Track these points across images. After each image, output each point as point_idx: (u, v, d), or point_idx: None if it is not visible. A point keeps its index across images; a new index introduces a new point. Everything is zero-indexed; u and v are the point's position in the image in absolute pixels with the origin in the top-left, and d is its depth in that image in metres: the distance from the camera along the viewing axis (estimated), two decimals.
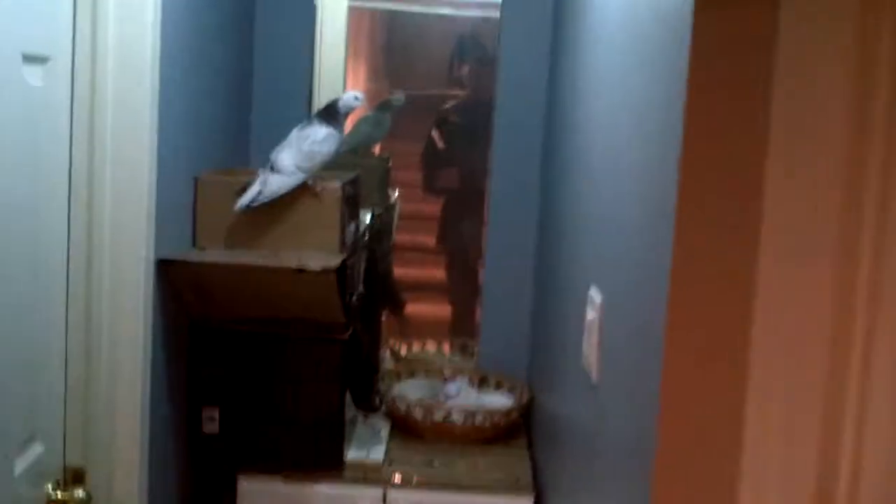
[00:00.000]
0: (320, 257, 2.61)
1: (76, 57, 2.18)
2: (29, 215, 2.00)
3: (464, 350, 3.84)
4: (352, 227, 2.85)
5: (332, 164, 3.34)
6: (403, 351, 3.86)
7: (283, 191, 2.63)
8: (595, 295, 1.83)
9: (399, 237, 4.95)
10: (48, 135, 2.08)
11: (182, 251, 2.60)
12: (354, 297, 2.84)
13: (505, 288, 3.52)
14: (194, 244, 2.73)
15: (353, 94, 2.76)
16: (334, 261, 2.54)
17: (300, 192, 2.69)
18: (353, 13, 4.53)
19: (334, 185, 2.71)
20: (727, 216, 1.06)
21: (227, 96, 3.11)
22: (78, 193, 2.22)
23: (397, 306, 3.94)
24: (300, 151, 2.66)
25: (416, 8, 5.08)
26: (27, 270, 2.01)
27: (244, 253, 2.65)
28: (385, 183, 3.78)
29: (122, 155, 2.26)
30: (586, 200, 2.18)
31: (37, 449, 2.09)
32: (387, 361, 3.72)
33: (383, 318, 3.74)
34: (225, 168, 2.94)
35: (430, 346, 3.91)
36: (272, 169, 2.65)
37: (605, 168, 1.93)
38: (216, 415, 2.74)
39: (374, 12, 5.44)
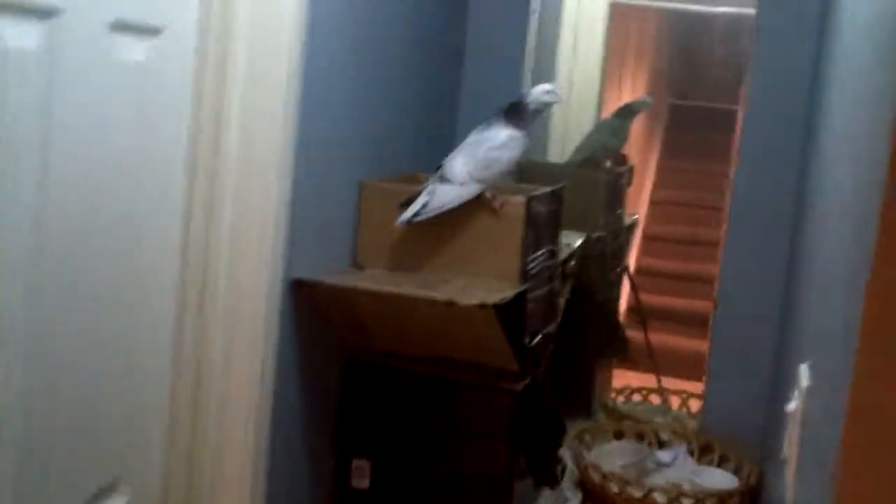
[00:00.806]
0: (488, 288, 2.12)
1: (201, 30, 1.84)
2: (128, 224, 1.69)
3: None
4: (542, 252, 2.33)
5: (547, 176, 2.87)
6: (620, 400, 3.27)
7: (452, 204, 2.17)
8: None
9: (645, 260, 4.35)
10: (152, 123, 1.74)
11: (331, 270, 2.21)
12: (536, 339, 2.32)
13: (742, 333, 2.84)
14: (355, 261, 2.33)
15: (545, 88, 2.24)
16: (498, 294, 2.04)
17: (476, 206, 2.22)
18: (617, 9, 4.01)
19: (517, 200, 2.21)
20: None
21: (422, 92, 2.70)
22: (195, 196, 1.88)
23: (619, 350, 3.36)
24: (475, 158, 2.19)
25: (697, 6, 4.45)
26: (128, 282, 1.70)
27: (400, 277, 2.22)
28: (616, 200, 3.23)
29: (250, 152, 1.89)
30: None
31: (118, 500, 1.77)
32: (597, 413, 3.15)
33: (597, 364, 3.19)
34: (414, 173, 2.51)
35: (655, 399, 3.29)
36: (442, 178, 2.20)
37: None
38: (367, 468, 2.33)
39: (649, 9, 4.84)
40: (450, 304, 1.99)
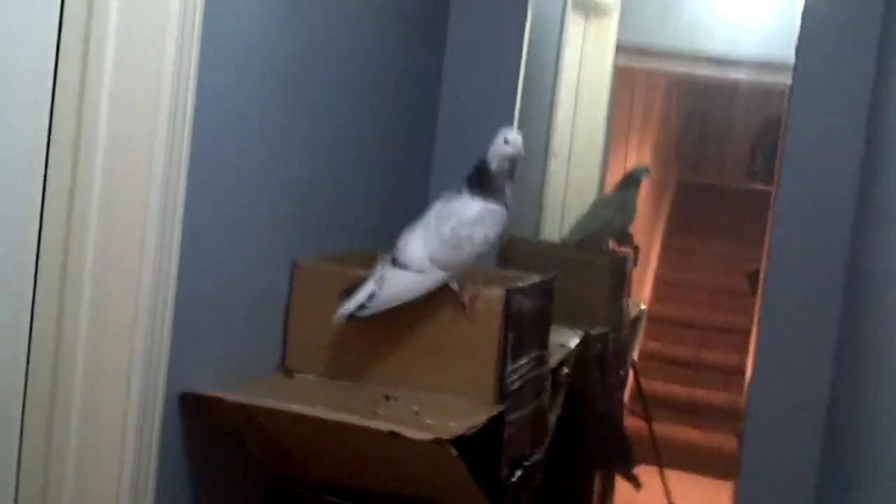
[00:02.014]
0: (451, 410, 1.59)
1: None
2: None
3: None
4: (526, 359, 1.80)
5: (535, 259, 2.35)
6: None
7: (407, 297, 1.65)
8: None
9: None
10: None
11: (248, 377, 1.67)
12: (518, 473, 1.78)
13: (780, 425, 2.29)
14: (283, 364, 1.80)
15: (502, 137, 1.67)
16: (462, 421, 1.50)
17: (440, 299, 1.69)
18: (623, 75, 3.57)
19: (493, 294, 1.69)
20: None
21: (383, 148, 2.19)
22: (43, 287, 1.37)
23: (626, 464, 2.81)
24: (439, 237, 1.66)
25: (708, 72, 4.01)
26: None
27: (336, 389, 1.69)
28: (620, 288, 2.72)
29: (112, 222, 1.38)
30: None
31: None
32: None
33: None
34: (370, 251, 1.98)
35: None
36: (395, 261, 1.67)
37: None
38: None
39: (656, 74, 4.44)
40: (393, 436, 1.44)
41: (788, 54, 2.45)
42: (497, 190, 1.68)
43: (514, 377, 1.74)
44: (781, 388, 2.26)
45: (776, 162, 3.31)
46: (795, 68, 2.32)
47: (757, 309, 2.36)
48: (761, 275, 2.36)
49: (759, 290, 2.36)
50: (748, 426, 2.31)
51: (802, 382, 2.23)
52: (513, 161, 1.67)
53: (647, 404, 3.07)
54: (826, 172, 2.24)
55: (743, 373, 3.37)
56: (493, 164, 1.67)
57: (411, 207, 2.12)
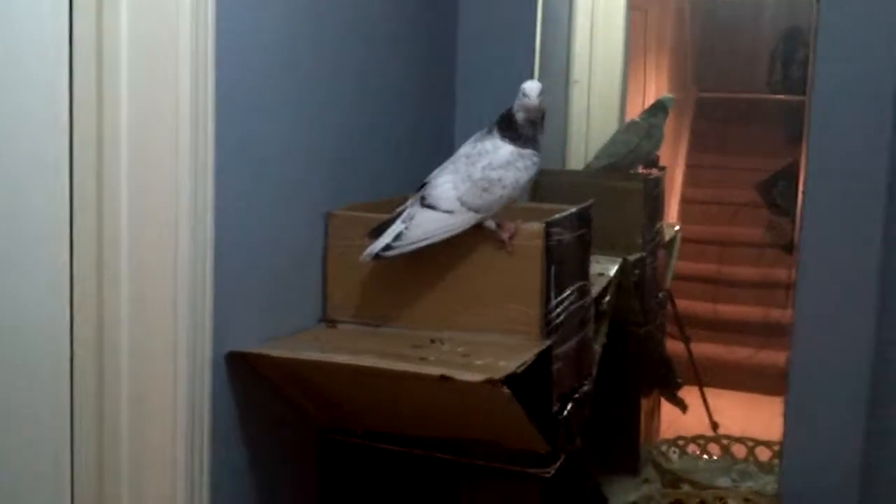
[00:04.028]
0: (498, 348, 1.57)
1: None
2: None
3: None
4: (569, 291, 1.77)
5: (564, 188, 2.31)
6: (672, 453, 2.70)
7: (436, 237, 1.62)
8: None
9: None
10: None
11: (292, 331, 1.66)
12: (568, 406, 1.77)
13: (829, 337, 2.24)
14: (325, 315, 1.79)
15: (522, 88, 1.63)
16: (511, 359, 1.49)
17: (477, 238, 1.67)
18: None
19: (533, 227, 1.66)
20: None
21: (405, 91, 2.15)
22: (79, 260, 1.35)
23: (669, 387, 2.80)
24: (470, 178, 1.63)
25: None
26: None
27: (380, 338, 1.67)
28: (655, 212, 2.68)
29: (145, 192, 1.36)
30: None
31: None
32: (645, 470, 2.59)
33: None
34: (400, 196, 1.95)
35: (714, 449, 2.73)
36: (424, 201, 1.65)
37: None
38: None
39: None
40: (444, 380, 1.43)
41: None
42: (526, 137, 1.64)
43: (559, 310, 1.72)
44: (829, 301, 2.21)
45: (794, 70, 3.24)
46: None
47: (798, 225, 2.31)
48: (800, 187, 2.30)
49: (800, 204, 2.30)
50: (796, 340, 2.28)
51: (850, 294, 2.19)
52: (535, 111, 1.63)
53: (683, 326, 3.06)
54: (860, 78, 2.16)
55: (785, 288, 3.35)
56: (520, 115, 1.63)
57: (438, 153, 2.09)
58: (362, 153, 1.92)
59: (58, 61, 1.31)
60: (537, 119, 1.65)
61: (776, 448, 2.53)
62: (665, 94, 2.90)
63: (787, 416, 2.29)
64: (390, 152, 2.05)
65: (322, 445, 1.77)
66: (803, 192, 2.26)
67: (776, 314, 3.58)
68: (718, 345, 3.45)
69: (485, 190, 1.62)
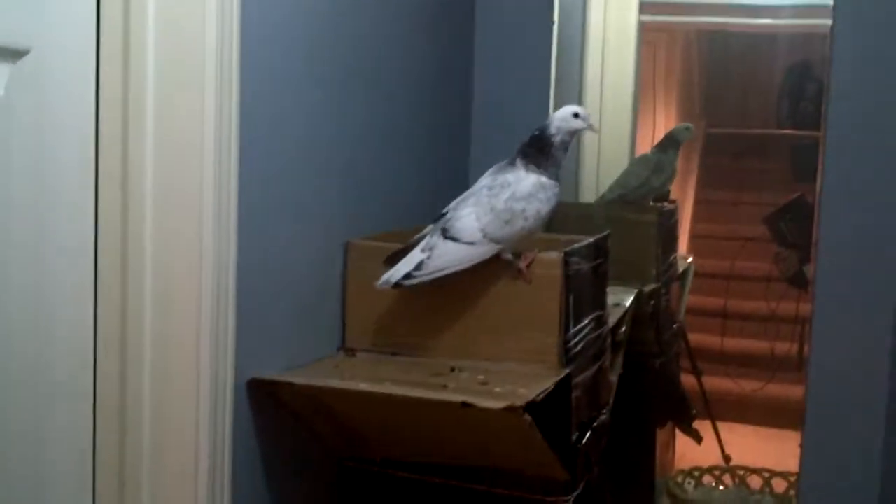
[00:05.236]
0: (517, 377, 1.58)
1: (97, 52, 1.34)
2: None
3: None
4: (586, 321, 1.79)
5: (579, 219, 2.33)
6: (687, 487, 2.69)
7: (455, 267, 1.63)
8: None
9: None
10: (30, 183, 1.24)
11: (310, 360, 1.68)
12: (587, 436, 1.77)
13: (845, 370, 2.24)
14: (344, 344, 1.80)
15: (570, 111, 1.69)
16: (530, 387, 1.50)
17: (494, 267, 1.68)
18: (648, 30, 3.52)
19: (551, 257, 1.67)
20: None
21: (422, 121, 2.18)
22: (103, 282, 1.37)
23: (684, 418, 2.80)
24: (492, 209, 1.65)
25: (728, 20, 3.97)
26: (28, 391, 1.18)
27: (399, 366, 1.68)
28: (669, 244, 2.70)
29: (170, 215, 1.38)
30: None
31: None
32: (660, 500, 2.58)
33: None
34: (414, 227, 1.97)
35: (729, 481, 2.72)
36: (445, 232, 1.66)
37: None
38: None
39: (676, 31, 4.41)
40: (465, 406, 1.44)
41: None
42: (552, 163, 1.67)
43: (577, 339, 1.73)
44: (844, 335, 2.22)
45: (803, 105, 3.26)
46: (835, 7, 2.24)
47: (814, 257, 2.32)
48: (815, 218, 2.31)
49: (814, 244, 2.31)
50: (812, 372, 2.28)
51: (865, 327, 2.19)
52: (575, 133, 1.67)
53: (694, 359, 3.06)
54: (873, 112, 2.18)
55: (792, 321, 3.35)
56: (557, 137, 1.66)
57: (453, 185, 2.12)
58: (379, 184, 1.95)
59: (85, 94, 1.33)
60: (569, 144, 1.68)
61: (792, 479, 2.52)
62: (679, 124, 2.90)
63: (804, 448, 2.29)
64: (405, 184, 2.08)
65: (341, 473, 1.78)
66: (817, 226, 2.27)
67: (783, 347, 3.58)
68: (726, 378, 3.45)
69: (507, 222, 1.63)
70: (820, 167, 2.27)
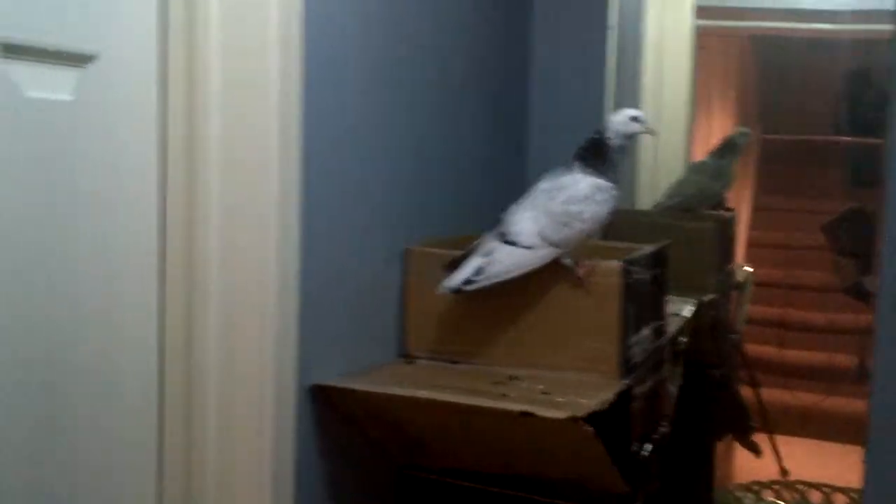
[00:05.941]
0: (577, 387, 1.57)
1: (159, 59, 1.36)
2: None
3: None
4: (646, 331, 1.77)
5: (635, 228, 2.31)
6: (746, 501, 2.65)
7: (514, 272, 1.63)
8: None
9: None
10: (95, 190, 1.26)
11: (370, 366, 1.68)
12: (647, 447, 1.75)
13: None
14: (403, 351, 1.81)
15: (628, 114, 1.69)
16: (591, 398, 1.48)
17: (554, 275, 1.68)
18: (704, 35, 3.49)
19: (610, 266, 1.66)
20: None
21: (480, 128, 2.18)
22: (169, 292, 1.39)
23: (743, 431, 2.76)
24: (550, 213, 1.64)
25: (787, 25, 3.93)
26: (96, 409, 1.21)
27: (459, 374, 1.68)
28: (727, 253, 2.66)
29: (237, 228, 1.40)
30: None
31: None
32: None
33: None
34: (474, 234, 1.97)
35: (789, 496, 2.67)
36: (503, 236, 1.66)
37: None
38: None
39: (732, 36, 4.38)
40: (526, 416, 1.43)
41: (881, 2, 2.36)
42: (610, 167, 1.66)
43: (637, 350, 1.71)
44: None
45: (862, 111, 3.18)
46: None
47: (876, 267, 2.27)
48: (877, 227, 2.27)
49: (877, 254, 2.26)
50: (876, 386, 2.23)
51: None
52: (633, 140, 1.67)
53: (752, 370, 3.01)
54: None
55: (852, 332, 3.28)
56: (616, 141, 1.66)
57: (511, 191, 2.11)
58: (439, 190, 1.95)
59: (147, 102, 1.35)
60: (626, 147, 1.67)
61: (853, 495, 2.48)
62: (737, 129, 2.85)
63: (868, 463, 2.23)
64: (463, 190, 2.08)
65: (400, 481, 1.78)
66: (881, 235, 2.22)
67: (842, 359, 3.52)
68: (784, 390, 3.40)
69: (564, 224, 1.63)
70: (884, 174, 2.22)
